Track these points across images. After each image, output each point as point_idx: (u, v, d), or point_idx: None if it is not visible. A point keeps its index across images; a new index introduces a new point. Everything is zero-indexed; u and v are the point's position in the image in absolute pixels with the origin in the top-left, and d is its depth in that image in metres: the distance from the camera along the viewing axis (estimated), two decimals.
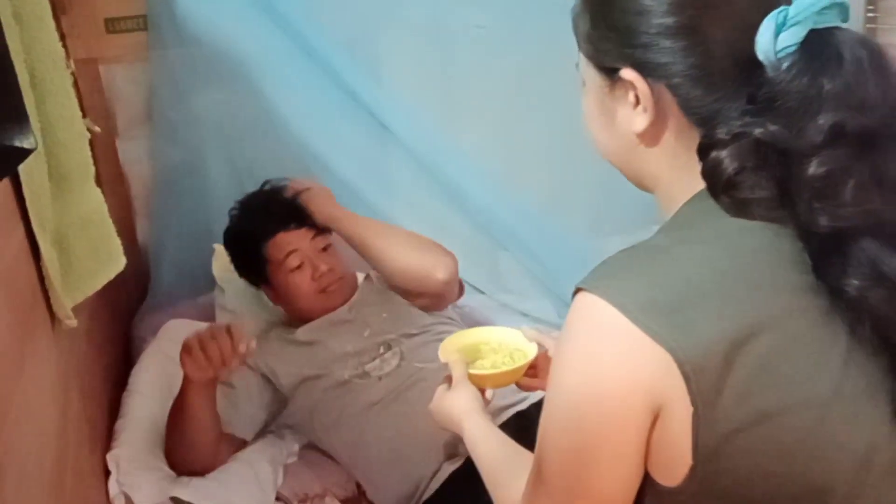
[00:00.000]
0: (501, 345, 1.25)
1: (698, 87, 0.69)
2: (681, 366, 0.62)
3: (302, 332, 1.66)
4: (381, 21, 2.09)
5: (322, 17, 2.01)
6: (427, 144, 2.17)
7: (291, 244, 1.67)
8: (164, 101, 2.03)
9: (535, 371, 1.23)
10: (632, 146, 0.75)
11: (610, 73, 0.73)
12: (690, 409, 0.62)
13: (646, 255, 0.70)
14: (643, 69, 0.70)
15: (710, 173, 0.68)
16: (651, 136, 0.73)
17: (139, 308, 2.05)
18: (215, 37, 1.94)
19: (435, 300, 1.70)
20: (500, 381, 1.18)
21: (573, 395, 0.67)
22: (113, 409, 1.58)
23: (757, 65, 0.66)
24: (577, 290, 0.68)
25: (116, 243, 1.23)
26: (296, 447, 1.62)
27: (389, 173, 2.19)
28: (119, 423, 1.53)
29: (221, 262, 1.94)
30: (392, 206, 2.17)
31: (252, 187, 1.87)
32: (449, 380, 1.19)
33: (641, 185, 0.79)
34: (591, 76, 0.77)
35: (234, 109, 2.03)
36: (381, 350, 1.59)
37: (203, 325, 1.91)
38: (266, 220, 1.69)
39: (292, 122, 2.01)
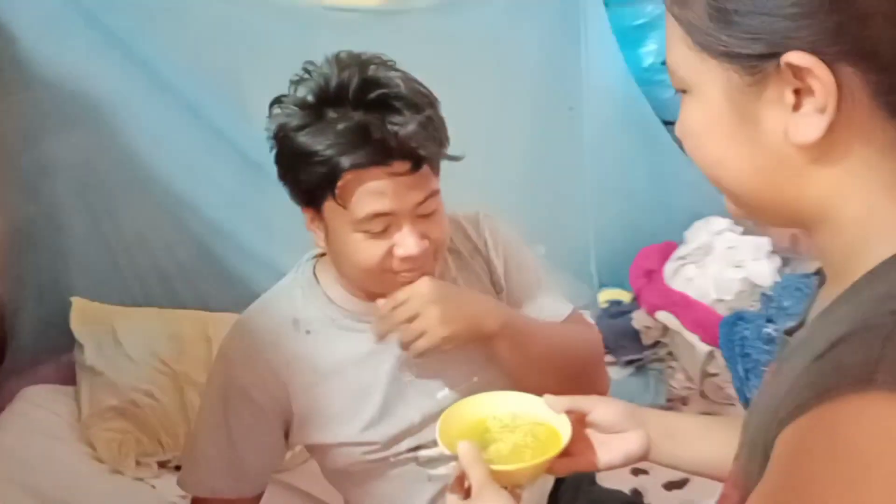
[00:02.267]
0: (514, 417, 0.89)
1: None
2: None
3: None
4: (247, 55, 2.03)
5: (182, 53, 1.93)
6: None
7: (386, 201, 0.94)
8: (11, 149, 1.89)
9: (571, 449, 0.85)
10: (787, 165, 0.52)
11: (754, 62, 0.50)
12: None
13: None
14: (819, 49, 0.47)
15: None
16: (827, 148, 0.50)
17: None
18: (64, 77, 1.83)
19: None
20: (534, 474, 0.82)
21: None
22: None
23: None
24: (856, 391, 0.42)
25: None
26: None
27: (264, 213, 2.12)
28: None
29: (79, 316, 1.81)
30: (271, 246, 2.10)
31: (114, 234, 1.75)
32: (460, 483, 0.80)
33: (792, 220, 0.55)
34: (712, 73, 0.53)
35: (91, 153, 1.91)
36: None
37: (64, 389, 1.78)
38: (356, 136, 0.91)
39: (155, 164, 1.92)
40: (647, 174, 2.57)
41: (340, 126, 0.90)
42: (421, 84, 0.97)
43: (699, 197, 2.56)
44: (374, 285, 1.01)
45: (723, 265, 2.34)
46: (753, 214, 0.58)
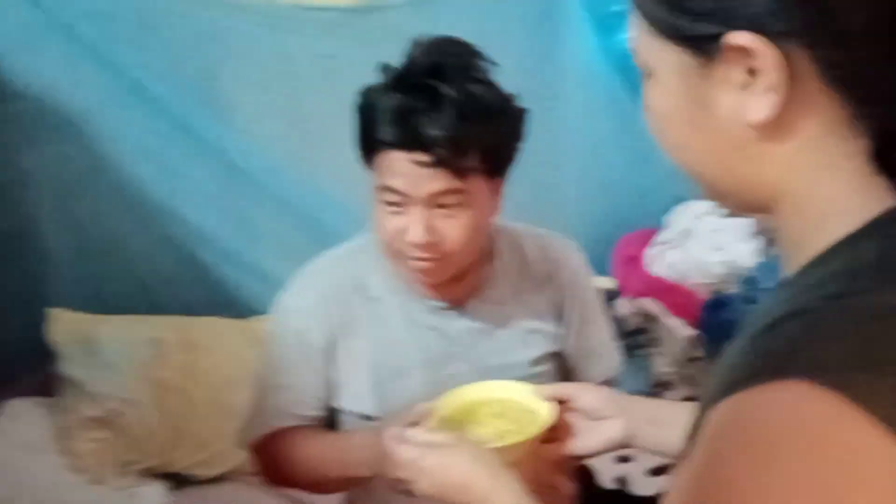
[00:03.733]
0: (506, 406, 0.94)
1: (854, 42, 0.46)
2: None
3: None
4: (225, 58, 2.02)
5: (158, 59, 1.92)
6: (283, 181, 2.11)
7: (400, 180, 0.99)
8: None
9: (556, 434, 0.91)
10: (742, 146, 0.51)
11: (704, 43, 0.50)
12: None
13: (880, 327, 0.43)
14: (763, 28, 0.46)
15: None
16: (778, 126, 0.49)
17: None
18: (41, 88, 1.82)
19: None
20: (510, 455, 0.85)
21: None
22: None
23: None
24: (774, 377, 0.41)
25: None
26: None
27: (248, 215, 2.12)
28: None
29: (58, 327, 1.80)
30: (253, 248, 2.10)
31: (93, 242, 1.75)
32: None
33: (753, 202, 0.55)
34: (667, 56, 0.52)
35: (69, 164, 1.90)
36: None
37: (45, 401, 1.78)
38: (392, 115, 0.97)
39: (134, 170, 1.91)
40: (626, 161, 2.57)
41: (389, 103, 0.97)
42: (492, 91, 1.00)
43: (679, 182, 2.57)
44: (394, 260, 1.07)
45: (705, 248, 2.36)
46: (718, 198, 0.57)
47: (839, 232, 0.48)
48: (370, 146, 1.01)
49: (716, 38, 0.48)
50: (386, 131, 0.97)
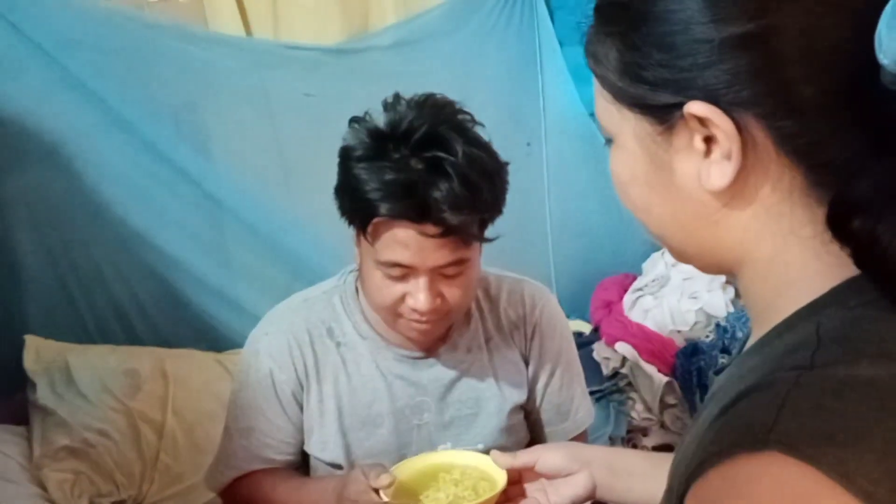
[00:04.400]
0: (465, 474, 0.97)
1: (808, 113, 0.47)
2: None
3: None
4: (206, 92, 2.05)
5: (140, 91, 1.94)
6: (262, 215, 2.13)
7: (408, 254, 0.96)
8: None
9: (505, 498, 0.93)
10: (702, 211, 0.52)
11: (662, 112, 0.51)
12: None
13: (857, 398, 0.43)
14: (718, 98, 0.48)
15: (873, 255, 0.45)
16: (737, 193, 0.50)
17: None
18: (21, 115, 1.83)
19: None
20: None
21: None
22: None
23: (874, 75, 0.44)
24: (751, 449, 0.42)
25: None
26: None
27: (224, 248, 2.12)
28: None
29: (33, 354, 1.78)
30: (231, 282, 2.10)
31: (70, 271, 1.73)
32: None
33: (717, 266, 0.56)
34: (629, 124, 0.54)
35: (47, 190, 1.90)
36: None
37: (16, 429, 1.74)
38: (399, 189, 0.93)
39: (112, 200, 1.92)
40: (604, 207, 2.61)
41: (389, 176, 0.92)
42: (487, 151, 0.97)
43: None
44: (386, 321, 1.06)
45: (679, 296, 2.39)
46: (684, 260, 0.58)
47: (800, 299, 0.49)
48: (367, 217, 0.94)
49: (674, 107, 0.49)
50: (390, 204, 0.92)
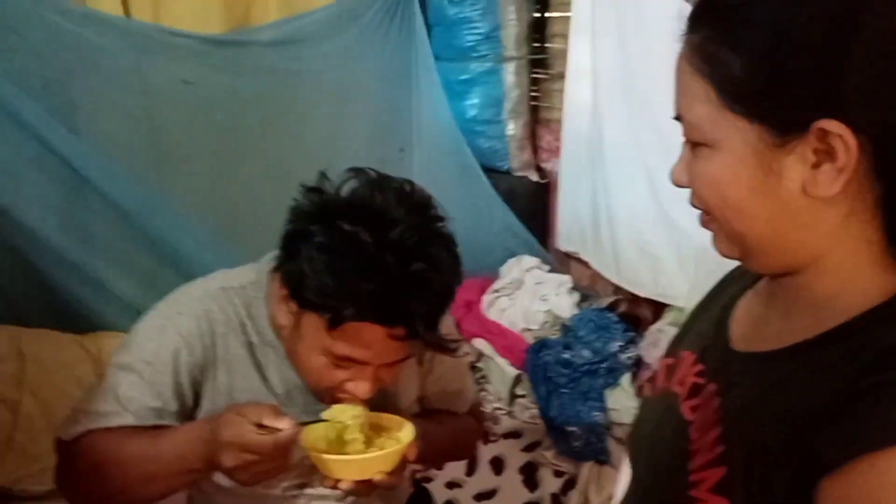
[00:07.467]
0: (371, 426, 0.99)
1: None
2: None
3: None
4: (79, 68, 2.01)
5: (10, 63, 1.88)
6: (130, 196, 2.10)
7: (368, 353, 0.94)
8: None
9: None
10: (798, 215, 0.57)
11: (789, 125, 0.55)
12: None
13: None
14: (850, 119, 0.53)
15: None
16: (832, 199, 0.56)
17: None
18: None
19: None
20: (356, 470, 0.92)
21: None
22: None
23: None
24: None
25: None
26: None
27: (90, 226, 2.07)
28: None
29: None
30: (95, 262, 2.05)
31: None
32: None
33: (787, 265, 0.61)
34: (739, 130, 0.57)
35: None
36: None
37: None
38: (383, 303, 0.89)
39: None
40: (468, 215, 2.76)
41: (368, 286, 0.86)
42: (456, 256, 0.94)
43: (513, 237, 2.83)
44: (311, 385, 1.01)
45: (531, 298, 2.59)
46: (751, 256, 0.62)
47: (860, 301, 0.57)
48: (335, 318, 0.89)
49: (801, 121, 0.54)
50: (370, 312, 0.88)
